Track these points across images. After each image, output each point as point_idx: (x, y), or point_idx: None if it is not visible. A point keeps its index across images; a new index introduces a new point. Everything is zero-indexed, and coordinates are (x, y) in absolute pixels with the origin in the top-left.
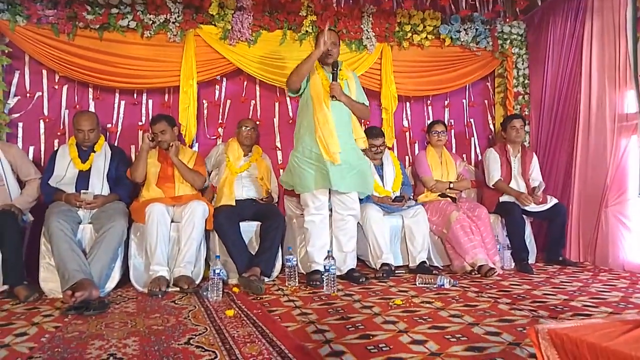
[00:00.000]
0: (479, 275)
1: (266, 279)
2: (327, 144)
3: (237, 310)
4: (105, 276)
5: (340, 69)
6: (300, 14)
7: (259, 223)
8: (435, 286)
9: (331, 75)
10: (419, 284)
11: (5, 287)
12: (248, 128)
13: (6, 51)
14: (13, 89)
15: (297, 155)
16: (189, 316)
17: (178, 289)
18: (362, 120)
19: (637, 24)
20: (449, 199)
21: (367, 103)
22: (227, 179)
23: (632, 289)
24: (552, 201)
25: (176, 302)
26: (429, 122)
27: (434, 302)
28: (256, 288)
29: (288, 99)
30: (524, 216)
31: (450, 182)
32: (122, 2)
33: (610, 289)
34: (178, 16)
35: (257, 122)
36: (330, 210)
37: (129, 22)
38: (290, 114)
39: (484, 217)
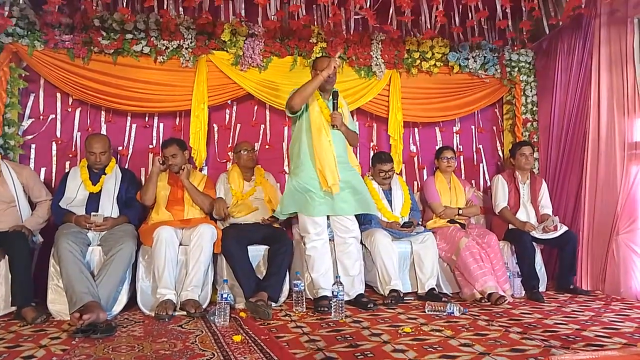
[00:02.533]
0: (489, 303)
1: (273, 304)
2: (326, 174)
3: (244, 336)
4: (112, 299)
5: (338, 98)
6: (310, 40)
7: (267, 247)
8: (444, 314)
9: (331, 105)
10: (428, 311)
11: (13, 308)
12: (247, 151)
13: (23, 75)
14: (27, 112)
15: (299, 181)
16: (196, 341)
17: (185, 312)
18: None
19: None
20: (458, 225)
21: (357, 131)
22: (234, 205)
23: None
24: (562, 229)
25: (183, 326)
26: (437, 147)
27: (444, 330)
28: (263, 313)
29: None
30: (534, 243)
31: (460, 209)
32: (136, 27)
33: (623, 319)
34: (191, 42)
35: (267, 146)
36: (330, 238)
37: (142, 47)
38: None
39: (493, 244)
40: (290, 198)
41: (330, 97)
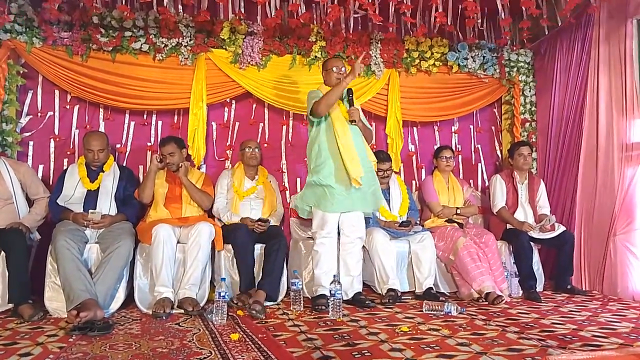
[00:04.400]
0: (486, 303)
1: (271, 303)
2: (351, 168)
3: (241, 334)
4: (110, 297)
5: (353, 95)
6: (309, 39)
7: (264, 245)
8: (442, 313)
9: (347, 102)
10: (425, 310)
11: (10, 305)
12: (251, 149)
13: (21, 72)
14: (25, 109)
15: (319, 177)
16: (193, 339)
17: (182, 311)
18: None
19: None
20: (455, 224)
21: (370, 128)
22: (233, 202)
23: None
24: (559, 229)
25: (180, 324)
26: (436, 147)
27: (441, 329)
28: (255, 316)
29: (292, 121)
30: (531, 243)
31: (458, 208)
32: (135, 25)
33: (620, 319)
34: (190, 40)
35: (266, 144)
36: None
37: (141, 45)
38: (290, 138)
39: (491, 243)
40: (311, 191)
41: (346, 93)
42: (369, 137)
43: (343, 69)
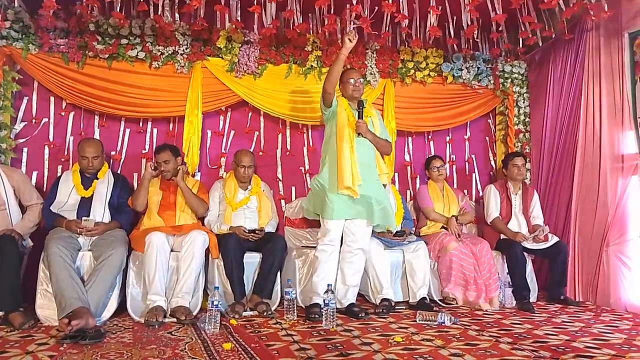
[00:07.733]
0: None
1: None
2: (341, 176)
3: (234, 344)
4: (102, 305)
5: (365, 107)
6: (305, 49)
7: (259, 253)
8: (435, 323)
9: (357, 113)
10: (419, 320)
11: (1, 313)
12: (246, 167)
13: (17, 78)
14: (20, 115)
15: (319, 180)
16: (185, 348)
17: (175, 319)
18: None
19: (636, 67)
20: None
21: (390, 139)
22: (226, 213)
23: (636, 330)
24: (553, 239)
25: (173, 333)
26: (426, 158)
27: (435, 339)
28: (269, 316)
29: (289, 131)
30: (525, 254)
31: (456, 217)
32: (132, 33)
33: (612, 330)
34: (186, 48)
35: (261, 153)
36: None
37: (138, 52)
38: (289, 147)
39: (485, 252)
40: (315, 194)
41: (356, 105)
42: (384, 149)
43: (360, 80)
